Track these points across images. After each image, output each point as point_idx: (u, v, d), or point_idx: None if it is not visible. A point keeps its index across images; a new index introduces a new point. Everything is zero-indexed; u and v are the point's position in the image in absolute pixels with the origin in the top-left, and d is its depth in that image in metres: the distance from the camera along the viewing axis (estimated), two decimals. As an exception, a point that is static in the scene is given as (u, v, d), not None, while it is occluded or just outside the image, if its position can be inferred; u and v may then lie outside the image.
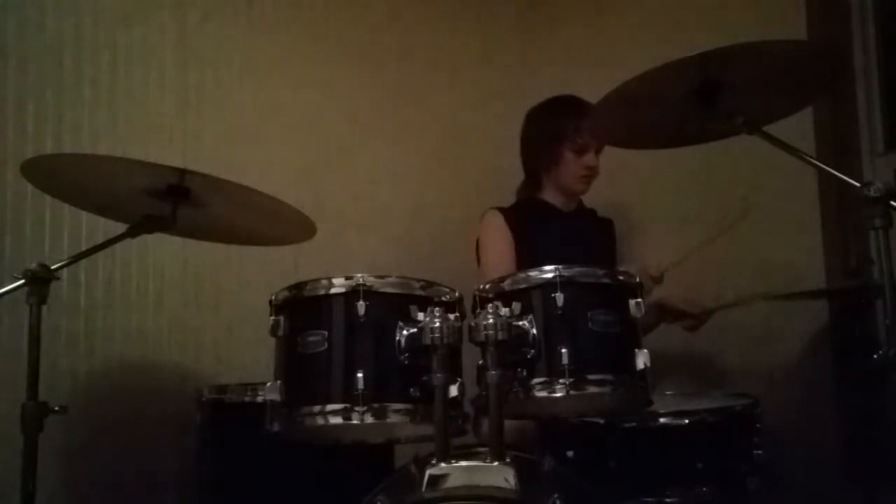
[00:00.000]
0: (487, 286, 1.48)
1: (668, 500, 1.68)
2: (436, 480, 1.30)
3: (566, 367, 1.37)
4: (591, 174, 2.35)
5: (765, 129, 1.57)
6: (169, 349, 2.26)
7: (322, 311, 1.43)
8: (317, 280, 1.45)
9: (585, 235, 2.38)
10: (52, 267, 1.61)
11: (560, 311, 1.40)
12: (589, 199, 2.48)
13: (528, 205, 2.41)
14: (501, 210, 2.36)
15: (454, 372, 1.38)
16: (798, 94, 1.69)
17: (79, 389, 2.11)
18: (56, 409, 1.59)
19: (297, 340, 1.43)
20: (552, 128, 2.34)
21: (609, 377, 1.42)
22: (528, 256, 2.21)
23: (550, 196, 2.41)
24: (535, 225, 2.32)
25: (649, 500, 1.68)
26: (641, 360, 1.43)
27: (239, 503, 1.81)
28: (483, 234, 2.35)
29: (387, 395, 1.38)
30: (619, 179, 2.76)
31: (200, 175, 1.60)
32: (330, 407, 1.37)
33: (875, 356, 1.35)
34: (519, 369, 1.40)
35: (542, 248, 2.23)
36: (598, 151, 2.32)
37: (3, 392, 1.86)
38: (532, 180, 2.43)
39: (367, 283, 1.41)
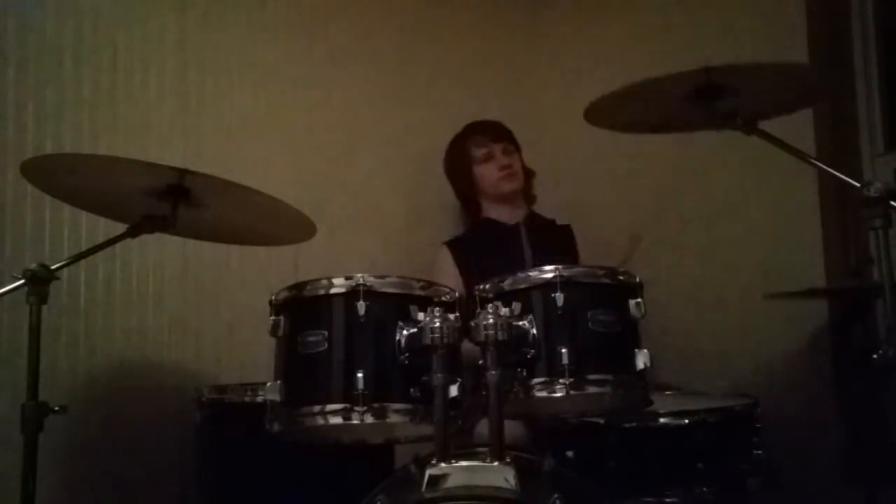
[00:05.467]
0: (487, 286, 1.48)
1: (668, 500, 1.68)
2: (436, 480, 1.30)
3: (566, 367, 1.37)
4: (509, 171, 2.43)
5: (765, 128, 1.57)
6: (169, 349, 2.26)
7: (322, 311, 1.43)
8: (317, 280, 1.45)
9: (534, 245, 2.42)
10: (52, 267, 1.60)
11: (560, 311, 1.40)
12: (589, 200, 2.48)
13: (474, 228, 2.51)
14: (450, 245, 2.46)
15: (454, 372, 1.37)
16: (798, 103, 1.69)
17: (79, 389, 2.10)
18: (56, 409, 1.59)
19: (297, 340, 1.43)
20: (455, 157, 2.51)
21: (609, 377, 1.42)
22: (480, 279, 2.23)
23: (493, 212, 2.49)
24: (482, 248, 2.39)
25: (649, 500, 1.69)
26: (641, 359, 1.43)
27: (239, 503, 1.81)
28: (433, 271, 2.40)
29: (387, 395, 1.38)
30: (619, 180, 2.76)
31: (200, 175, 1.60)
32: (330, 407, 1.37)
33: (875, 356, 1.35)
34: (519, 369, 1.40)
35: (490, 270, 2.24)
36: (506, 151, 2.43)
37: (3, 392, 1.86)
38: (469, 206, 2.54)
39: (367, 283, 1.41)
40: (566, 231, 2.54)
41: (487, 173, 2.44)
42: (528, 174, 2.52)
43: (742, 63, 1.46)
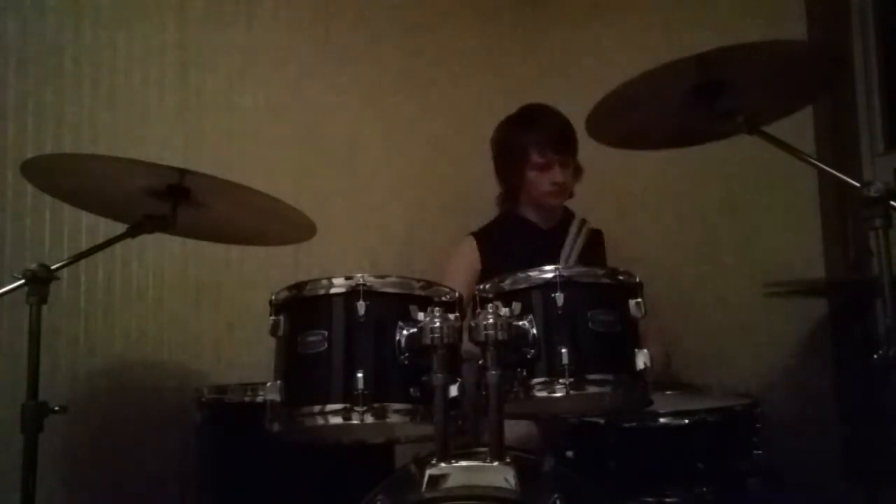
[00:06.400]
0: (487, 286, 1.48)
1: (668, 500, 1.68)
2: (436, 480, 1.30)
3: (566, 367, 1.37)
4: (558, 189, 2.30)
5: (765, 128, 1.57)
6: (169, 349, 2.26)
7: (322, 311, 1.43)
8: (317, 280, 1.44)
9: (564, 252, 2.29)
10: (52, 267, 1.61)
11: (560, 311, 1.40)
12: (587, 200, 2.47)
13: (506, 223, 2.40)
14: (477, 235, 2.35)
15: (454, 372, 1.38)
16: (798, 94, 1.69)
17: (79, 389, 2.11)
18: (56, 409, 1.59)
19: (297, 340, 1.43)
20: (512, 148, 2.32)
21: (609, 377, 1.41)
22: None
23: (528, 211, 2.38)
24: (510, 246, 2.30)
25: (649, 500, 1.69)
26: (641, 360, 1.43)
27: (239, 503, 1.81)
28: (450, 260, 2.34)
29: (387, 395, 1.38)
30: (618, 180, 2.76)
31: (200, 175, 1.60)
32: (330, 407, 1.37)
33: (875, 356, 1.35)
34: (519, 369, 1.40)
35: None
36: (564, 164, 2.28)
37: (3, 392, 1.86)
38: (508, 194, 2.41)
39: (367, 283, 1.41)
40: (597, 237, 2.42)
41: (538, 183, 2.28)
42: (577, 173, 2.36)
43: (735, 45, 1.45)
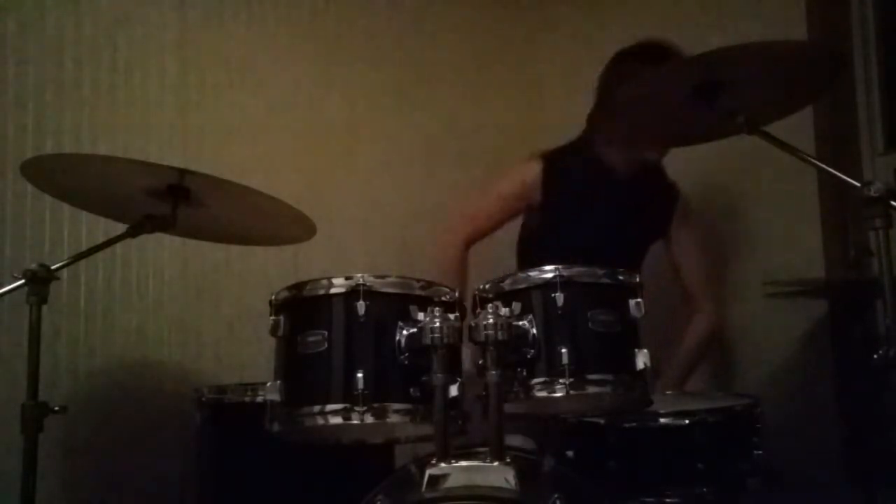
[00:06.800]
0: (487, 286, 1.48)
1: (668, 500, 1.68)
2: (436, 480, 1.30)
3: (566, 366, 1.37)
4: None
5: (765, 128, 1.57)
6: (169, 349, 2.26)
7: (322, 311, 1.43)
8: (317, 280, 1.44)
9: (630, 209, 2.10)
10: (52, 267, 1.61)
11: (560, 311, 1.40)
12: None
13: (579, 158, 2.18)
14: (546, 158, 2.16)
15: (454, 372, 1.38)
16: (798, 94, 1.69)
17: (79, 389, 2.11)
18: (56, 409, 1.59)
19: (297, 340, 1.43)
20: (632, 92, 1.91)
21: (609, 377, 1.41)
22: (553, 220, 2.06)
23: (613, 154, 2.17)
24: (576, 186, 2.12)
25: (649, 500, 1.68)
26: (641, 359, 1.43)
27: (239, 503, 1.81)
28: (506, 176, 2.22)
29: (387, 395, 1.38)
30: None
31: (200, 175, 1.60)
32: (330, 407, 1.37)
33: (875, 356, 1.35)
34: (519, 369, 1.40)
35: (570, 218, 2.00)
36: None
37: (3, 392, 1.86)
38: (597, 129, 2.18)
39: (367, 283, 1.41)
40: (669, 191, 2.28)
41: None
42: None
43: (736, 46, 1.45)
